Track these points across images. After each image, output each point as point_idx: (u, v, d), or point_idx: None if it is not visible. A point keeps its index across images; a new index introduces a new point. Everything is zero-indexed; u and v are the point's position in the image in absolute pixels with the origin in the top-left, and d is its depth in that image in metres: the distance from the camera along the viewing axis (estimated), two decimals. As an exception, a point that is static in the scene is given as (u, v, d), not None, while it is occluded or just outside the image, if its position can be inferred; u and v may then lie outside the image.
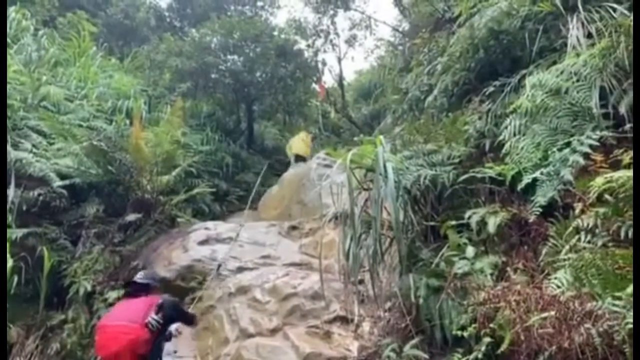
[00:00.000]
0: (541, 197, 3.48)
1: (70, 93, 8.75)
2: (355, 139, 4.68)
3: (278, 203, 8.89)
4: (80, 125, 7.82)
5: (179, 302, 4.25)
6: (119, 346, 3.39)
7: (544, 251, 3.17)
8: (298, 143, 10.79)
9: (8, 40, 8.49)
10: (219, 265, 5.86)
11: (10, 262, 5.86)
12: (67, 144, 7.50)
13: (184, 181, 8.55)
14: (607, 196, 3.01)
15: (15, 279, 5.98)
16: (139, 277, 3.97)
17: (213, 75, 11.32)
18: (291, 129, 12.83)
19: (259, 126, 12.93)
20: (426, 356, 3.48)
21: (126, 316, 3.53)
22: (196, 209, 8.70)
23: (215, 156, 10.16)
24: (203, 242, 6.46)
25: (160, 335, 3.61)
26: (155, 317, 3.52)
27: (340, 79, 15.22)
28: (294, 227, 7.32)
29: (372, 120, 12.98)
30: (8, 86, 7.60)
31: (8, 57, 8.24)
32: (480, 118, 4.51)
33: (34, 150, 7.35)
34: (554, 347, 2.69)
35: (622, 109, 3.46)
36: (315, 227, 6.90)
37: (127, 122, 8.19)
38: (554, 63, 4.17)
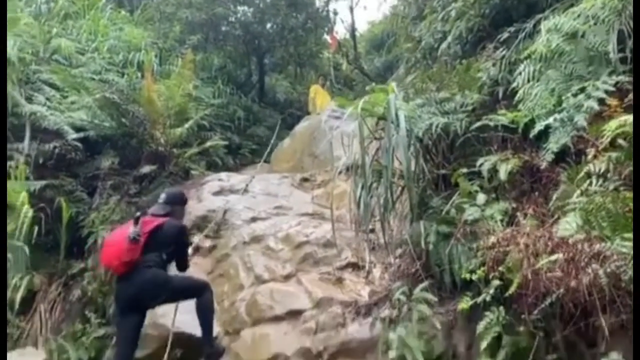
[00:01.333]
0: (554, 144, 3.46)
1: (81, 46, 8.70)
2: (367, 88, 4.64)
3: (290, 156, 8.92)
4: (92, 79, 7.83)
5: (182, 230, 4.35)
6: (109, 257, 4.00)
7: (554, 196, 3.19)
8: (322, 99, 10.58)
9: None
10: (225, 211, 5.91)
11: (30, 213, 6.01)
12: (80, 97, 7.53)
13: (196, 134, 8.58)
14: (620, 140, 3.00)
15: (36, 229, 6.15)
16: (161, 200, 4.33)
17: (223, 28, 11.17)
18: (302, 82, 12.70)
19: (270, 79, 12.81)
20: (435, 298, 3.56)
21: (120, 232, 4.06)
22: (209, 161, 8.77)
23: (227, 109, 10.14)
24: (217, 193, 6.56)
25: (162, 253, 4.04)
26: (136, 230, 3.88)
27: (353, 30, 14.92)
28: (305, 179, 7.39)
29: (385, 72, 12.79)
30: (19, 39, 7.60)
31: (18, 10, 8.19)
32: (494, 65, 4.43)
33: (48, 103, 7.41)
34: (561, 289, 2.75)
35: (640, 53, 3.38)
36: (326, 179, 6.96)
37: (139, 75, 8.18)
38: (571, 6, 4.05)
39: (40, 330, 5.92)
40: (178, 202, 4.45)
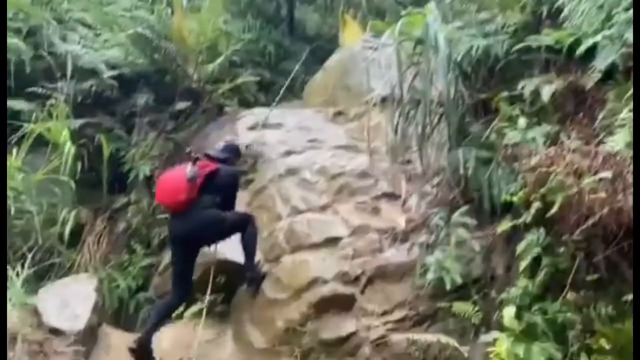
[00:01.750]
0: (601, 62, 3.31)
1: (111, -18, 8.61)
2: (403, 13, 4.49)
3: (323, 90, 8.80)
4: (123, 16, 7.79)
5: (237, 176, 4.74)
6: (161, 196, 4.34)
7: (600, 115, 3.09)
8: (352, 31, 10.28)
9: None
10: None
11: (72, 150, 6.18)
12: (113, 35, 7.53)
13: (228, 70, 8.52)
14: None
15: (79, 165, 6.35)
16: (218, 147, 4.86)
17: (251, -42, 10.81)
18: (333, 13, 12.32)
19: (300, 11, 12.45)
20: (474, 222, 3.58)
21: (177, 170, 4.35)
22: (242, 98, 8.71)
23: (257, 44, 9.96)
24: (252, 128, 6.58)
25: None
26: (194, 170, 4.14)
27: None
28: (339, 113, 7.32)
29: (420, 1, 12.28)
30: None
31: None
32: (538, -18, 4.20)
33: (82, 42, 7.44)
34: (605, 210, 2.72)
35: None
36: (360, 112, 6.87)
37: (169, 10, 8.08)
38: None
39: (89, 261, 6.21)
40: (234, 153, 5.00)
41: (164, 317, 4.31)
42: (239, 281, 4.67)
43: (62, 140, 6.08)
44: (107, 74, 7.19)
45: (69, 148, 6.01)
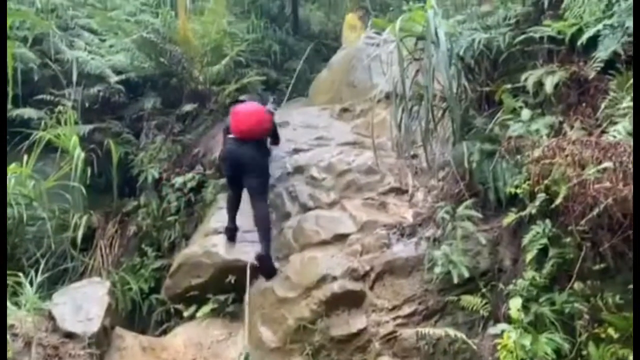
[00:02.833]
0: (603, 52, 3.31)
1: (115, -12, 8.69)
2: (404, 7, 4.49)
3: (328, 87, 8.81)
4: (128, 20, 7.86)
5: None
6: (249, 123, 5.04)
7: (602, 105, 3.08)
8: (350, 34, 10.28)
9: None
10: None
11: (82, 156, 6.26)
12: (118, 40, 7.61)
13: (234, 71, 8.55)
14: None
15: (89, 171, 6.42)
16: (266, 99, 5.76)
17: (253, -42, 10.84)
18: (337, 11, 12.33)
19: (304, 10, 12.47)
20: (480, 215, 3.59)
21: (252, 105, 5.30)
22: (248, 98, 8.77)
23: (262, 44, 9.99)
24: (258, 128, 6.61)
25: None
26: (272, 105, 5.45)
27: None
28: (345, 110, 7.32)
29: (423, -5, 12.23)
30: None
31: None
32: (538, -27, 4.19)
33: (88, 48, 7.52)
34: (610, 199, 2.71)
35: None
36: (366, 109, 6.88)
37: (173, 14, 8.13)
38: None
39: (102, 264, 6.30)
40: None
41: (234, 209, 5.19)
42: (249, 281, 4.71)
43: (71, 147, 6.17)
44: (114, 79, 7.28)
45: (79, 154, 6.09)
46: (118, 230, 6.76)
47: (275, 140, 5.64)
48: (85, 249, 6.41)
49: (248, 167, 4.98)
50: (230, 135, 5.11)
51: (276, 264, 4.68)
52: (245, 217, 5.32)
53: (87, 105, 7.11)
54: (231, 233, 5.07)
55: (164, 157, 6.68)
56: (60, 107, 6.61)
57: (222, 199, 5.67)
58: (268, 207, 5.08)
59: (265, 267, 4.64)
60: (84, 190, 6.14)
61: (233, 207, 5.17)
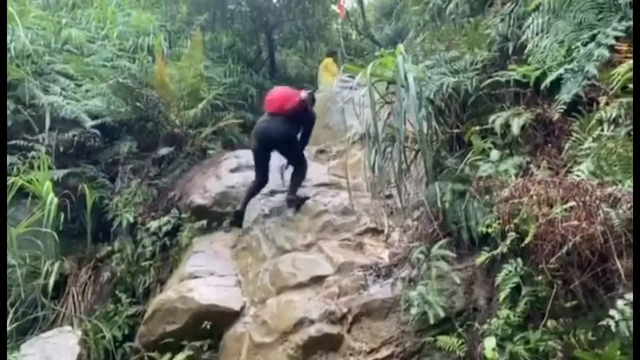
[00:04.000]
0: (565, 94, 3.45)
1: (91, 34, 8.78)
2: (376, 53, 4.64)
3: (304, 129, 8.92)
4: (105, 66, 7.93)
5: (315, 118, 6.20)
6: (279, 96, 5.73)
7: (566, 146, 3.19)
8: (327, 78, 10.52)
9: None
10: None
11: (55, 201, 6.18)
12: (94, 85, 7.65)
13: (211, 114, 8.63)
14: (631, 86, 2.97)
15: (62, 216, 6.33)
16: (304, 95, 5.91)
17: (230, 5, 11.12)
18: (313, 55, 12.63)
19: (280, 54, 12.76)
20: (454, 255, 3.62)
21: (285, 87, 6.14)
22: (225, 140, 8.83)
23: (239, 88, 10.15)
24: (235, 170, 6.64)
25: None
26: (307, 94, 5.83)
27: (360, -3, 14.71)
28: (321, 151, 7.45)
29: (396, 39, 12.58)
30: (31, 32, 7.70)
31: (27, 3, 8.28)
32: (502, 20, 4.37)
33: (64, 93, 7.53)
34: (577, 237, 2.77)
35: (650, -5, 3.31)
36: (342, 150, 7.00)
37: (150, 59, 8.23)
38: (578, -47, 3.97)
39: (74, 312, 6.12)
40: (312, 102, 6.33)
41: (250, 196, 5.77)
42: (225, 326, 4.63)
43: (44, 192, 6.09)
44: (90, 123, 7.29)
45: (51, 199, 6.02)
46: (91, 276, 6.61)
47: (304, 138, 5.98)
48: (56, 297, 6.24)
49: (273, 139, 5.54)
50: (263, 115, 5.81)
51: (252, 309, 4.62)
52: (224, 260, 5.30)
53: (61, 149, 7.06)
54: (236, 215, 5.70)
55: (139, 201, 6.62)
56: (33, 152, 6.56)
57: (198, 243, 5.63)
58: (304, 171, 5.77)
59: (296, 202, 5.50)
60: (56, 236, 6.04)
61: (251, 193, 5.75)
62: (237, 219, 5.72)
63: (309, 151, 7.37)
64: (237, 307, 4.69)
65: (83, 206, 6.68)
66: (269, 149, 5.68)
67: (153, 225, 6.19)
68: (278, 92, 5.83)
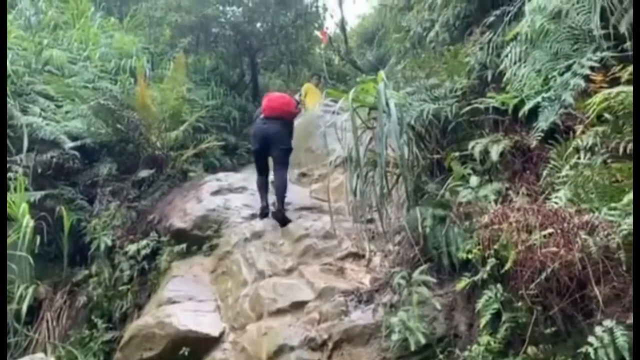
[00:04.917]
0: (543, 122, 3.53)
1: (73, 55, 8.73)
2: (358, 79, 4.70)
3: (287, 153, 8.93)
4: (86, 87, 7.88)
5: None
6: (278, 102, 6.24)
7: (544, 173, 3.24)
8: (313, 100, 10.58)
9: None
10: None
11: (31, 224, 6.06)
12: (75, 106, 7.59)
13: (193, 136, 8.61)
14: (606, 115, 3.05)
15: (38, 239, 6.19)
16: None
17: (213, 29, 11.18)
18: (296, 79, 12.74)
19: (264, 78, 12.85)
20: (434, 280, 3.62)
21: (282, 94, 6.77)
22: (207, 163, 8.79)
23: (221, 110, 10.17)
24: (215, 193, 6.61)
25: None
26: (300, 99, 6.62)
27: (342, 24, 14.91)
28: (303, 174, 7.45)
29: (378, 65, 12.75)
30: (11, 52, 7.64)
31: (8, 23, 8.23)
32: (481, 49, 4.48)
33: (43, 114, 7.44)
34: (556, 264, 2.80)
35: (623, 28, 3.42)
36: (324, 173, 6.99)
37: (132, 80, 8.22)
38: (554, -14, 4.09)
39: (48, 338, 5.97)
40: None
41: (265, 190, 6.07)
42: (203, 353, 4.54)
43: (20, 214, 5.96)
44: (69, 144, 7.20)
45: (27, 222, 5.90)
46: (67, 301, 6.45)
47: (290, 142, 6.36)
48: (30, 322, 6.08)
49: (273, 140, 5.90)
50: (261, 116, 6.12)
51: (231, 335, 4.55)
52: (203, 285, 5.23)
53: (39, 171, 6.95)
54: (263, 211, 5.91)
55: (117, 224, 6.52)
56: (10, 174, 6.44)
57: (177, 267, 5.55)
58: (286, 174, 5.98)
59: (280, 218, 5.62)
60: (31, 260, 5.91)
61: (264, 188, 6.06)
62: (264, 213, 5.93)
63: (291, 175, 7.39)
64: (216, 333, 4.61)
65: (60, 229, 6.55)
66: (268, 149, 6.00)
67: (131, 248, 6.09)
68: (278, 98, 6.37)
